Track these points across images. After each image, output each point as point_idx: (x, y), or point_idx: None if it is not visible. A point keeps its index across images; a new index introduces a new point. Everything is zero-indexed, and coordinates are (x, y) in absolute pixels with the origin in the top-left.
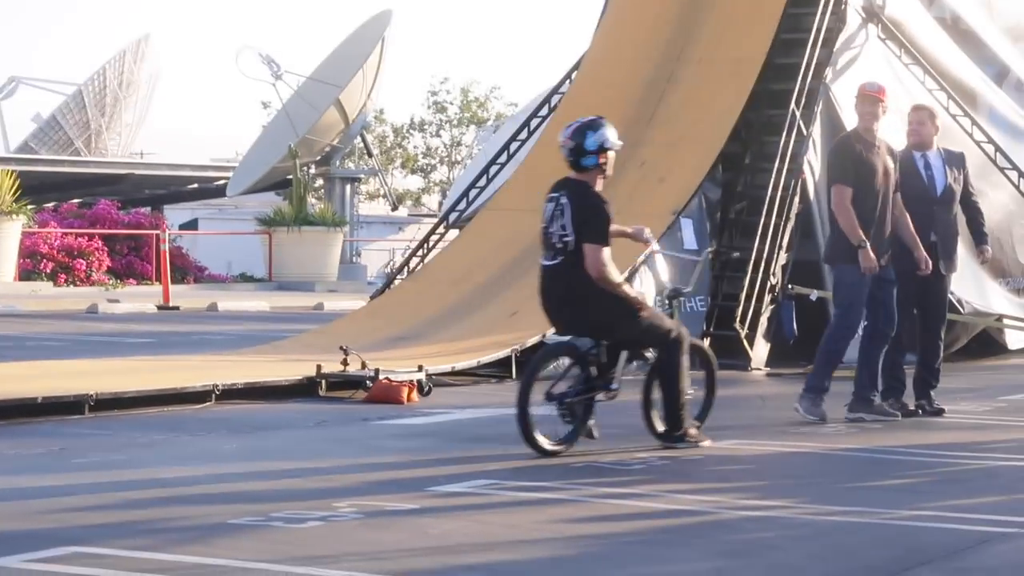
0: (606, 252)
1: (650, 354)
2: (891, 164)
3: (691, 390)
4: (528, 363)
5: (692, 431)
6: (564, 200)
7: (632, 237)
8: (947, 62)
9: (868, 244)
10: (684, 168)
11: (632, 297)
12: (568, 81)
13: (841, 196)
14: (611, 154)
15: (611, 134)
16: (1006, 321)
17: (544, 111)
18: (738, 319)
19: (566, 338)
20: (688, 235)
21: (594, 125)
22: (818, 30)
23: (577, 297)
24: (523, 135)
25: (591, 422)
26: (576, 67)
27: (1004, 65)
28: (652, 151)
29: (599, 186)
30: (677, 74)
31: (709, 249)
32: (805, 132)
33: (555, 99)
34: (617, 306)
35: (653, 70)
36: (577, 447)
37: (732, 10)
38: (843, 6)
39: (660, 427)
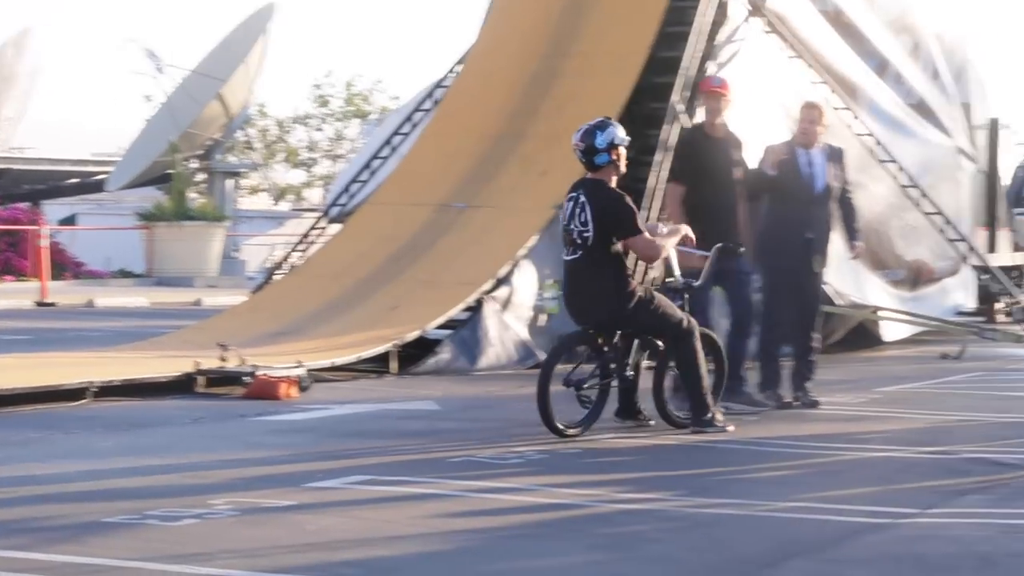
0: (645, 237)
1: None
2: (738, 157)
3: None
4: (550, 351)
5: (719, 416)
6: (583, 198)
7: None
8: (830, 55)
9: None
10: (566, 161)
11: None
12: (452, 74)
13: (671, 194)
14: (622, 150)
15: (619, 131)
16: (882, 313)
17: (428, 105)
18: None
19: (582, 328)
20: None
21: (601, 125)
22: (701, 24)
23: (596, 290)
24: (406, 129)
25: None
26: (460, 61)
27: (884, 58)
28: (534, 145)
29: (614, 183)
30: (561, 68)
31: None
32: (686, 125)
33: (439, 93)
34: (632, 298)
35: (537, 64)
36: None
37: (616, 4)
38: (726, 0)
39: (676, 415)
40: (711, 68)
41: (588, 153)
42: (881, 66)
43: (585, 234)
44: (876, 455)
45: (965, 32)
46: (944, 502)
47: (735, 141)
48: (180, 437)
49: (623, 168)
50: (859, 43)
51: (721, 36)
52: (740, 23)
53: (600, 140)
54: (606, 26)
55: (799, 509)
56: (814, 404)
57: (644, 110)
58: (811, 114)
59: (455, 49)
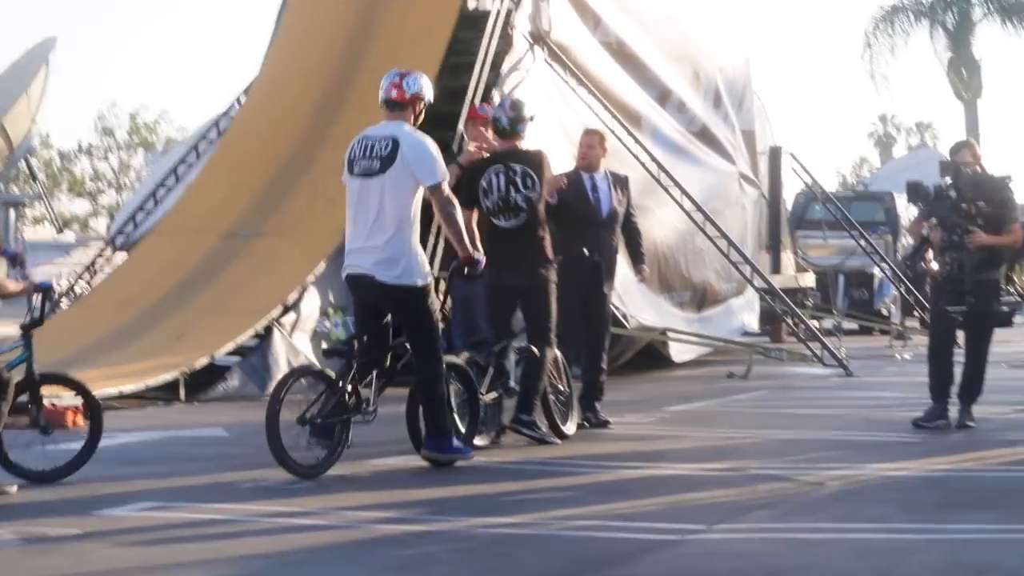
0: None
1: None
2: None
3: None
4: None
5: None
6: (514, 167)
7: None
8: (612, 85)
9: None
10: None
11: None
12: (238, 104)
13: (465, 219)
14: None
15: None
16: (670, 334)
17: (213, 135)
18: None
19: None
20: None
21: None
22: (485, 53)
23: (532, 254)
24: (192, 158)
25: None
26: (246, 91)
27: (666, 87)
28: (322, 172)
29: None
30: (347, 96)
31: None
32: None
33: (224, 123)
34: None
35: (323, 92)
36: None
37: (401, 34)
38: (510, 30)
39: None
40: (496, 97)
41: (516, 122)
42: (663, 95)
43: (531, 195)
44: (665, 473)
45: (746, 60)
46: (731, 518)
47: None
48: None
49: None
50: (641, 73)
51: (506, 65)
52: (524, 53)
53: (527, 111)
54: (391, 55)
55: (589, 527)
56: (604, 424)
57: (432, 138)
58: (590, 139)
59: (241, 79)
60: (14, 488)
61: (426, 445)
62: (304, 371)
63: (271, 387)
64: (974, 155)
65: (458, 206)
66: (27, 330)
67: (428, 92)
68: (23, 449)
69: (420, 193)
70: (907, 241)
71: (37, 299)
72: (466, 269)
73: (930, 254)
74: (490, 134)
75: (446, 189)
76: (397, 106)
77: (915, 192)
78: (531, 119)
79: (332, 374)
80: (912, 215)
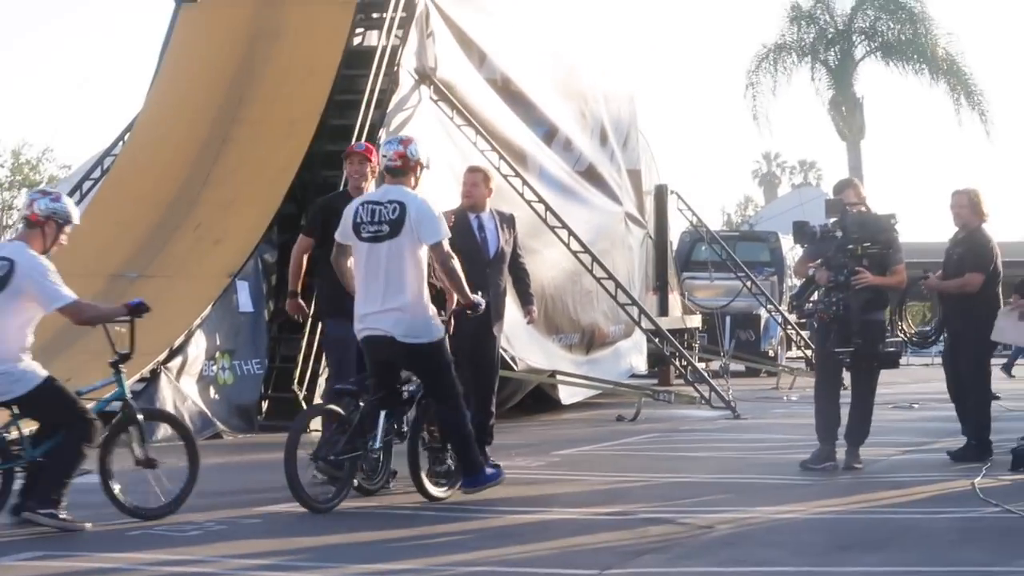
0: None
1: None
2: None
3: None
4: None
5: None
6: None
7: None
8: (498, 123)
9: (297, 294)
10: (240, 229)
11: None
12: (122, 143)
13: (298, 244)
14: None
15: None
16: (559, 376)
17: (97, 173)
18: (296, 381)
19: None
20: (244, 297)
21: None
22: (371, 91)
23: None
24: (76, 198)
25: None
26: (129, 128)
27: (553, 125)
28: (207, 212)
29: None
30: (232, 134)
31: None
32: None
33: (108, 161)
34: None
35: (208, 130)
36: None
37: (287, 71)
38: (396, 68)
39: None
40: (383, 135)
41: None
42: (550, 134)
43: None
44: (556, 517)
45: (631, 98)
46: (622, 562)
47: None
48: None
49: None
50: (527, 110)
51: (392, 103)
52: (410, 90)
53: (412, 150)
54: (277, 92)
55: (479, 573)
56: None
57: (317, 178)
58: (474, 177)
59: (125, 116)
60: (88, 525)
61: (466, 484)
62: (318, 410)
63: (158, 433)
64: (858, 195)
65: (455, 258)
66: (117, 365)
67: (425, 158)
68: (134, 486)
69: (425, 251)
70: (793, 281)
71: (121, 331)
72: (468, 312)
73: (816, 295)
74: (367, 170)
75: (446, 245)
76: (400, 172)
77: (801, 232)
78: (425, 166)
79: (342, 412)
80: (797, 255)
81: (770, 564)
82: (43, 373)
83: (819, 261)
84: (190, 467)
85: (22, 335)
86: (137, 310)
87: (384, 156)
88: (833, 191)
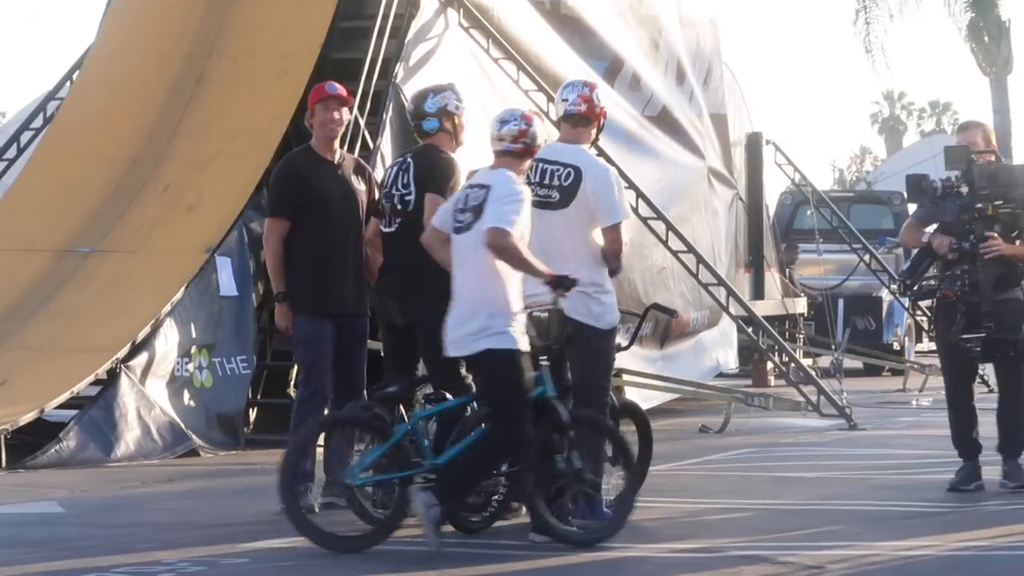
0: (436, 198)
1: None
2: (358, 185)
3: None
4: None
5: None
6: (409, 160)
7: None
8: (546, 55)
9: (288, 298)
10: (219, 193)
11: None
12: (69, 84)
13: (270, 231)
14: (458, 119)
15: (455, 97)
16: (625, 377)
17: (39, 122)
18: (292, 383)
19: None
20: (225, 278)
21: (437, 89)
22: (384, 18)
23: (414, 270)
24: (11, 154)
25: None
26: (78, 66)
27: (616, 57)
28: (178, 172)
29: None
30: (209, 72)
31: None
32: (372, 144)
33: (52, 107)
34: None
35: (178, 68)
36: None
37: None
38: None
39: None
40: (400, 72)
41: (416, 117)
42: (612, 69)
43: (407, 197)
44: (625, 555)
45: (712, 23)
46: None
47: (357, 163)
48: None
49: (462, 139)
50: (583, 40)
51: (411, 32)
52: (434, 16)
53: (430, 104)
54: (265, 21)
55: None
56: None
57: None
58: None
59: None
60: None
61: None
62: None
63: (119, 449)
64: (987, 139)
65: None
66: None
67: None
68: None
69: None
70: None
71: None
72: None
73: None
74: (345, 115)
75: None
76: (584, 120)
77: (917, 187)
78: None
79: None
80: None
81: None
82: None
83: (935, 227)
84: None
85: None
86: None
87: (564, 100)
88: (956, 135)
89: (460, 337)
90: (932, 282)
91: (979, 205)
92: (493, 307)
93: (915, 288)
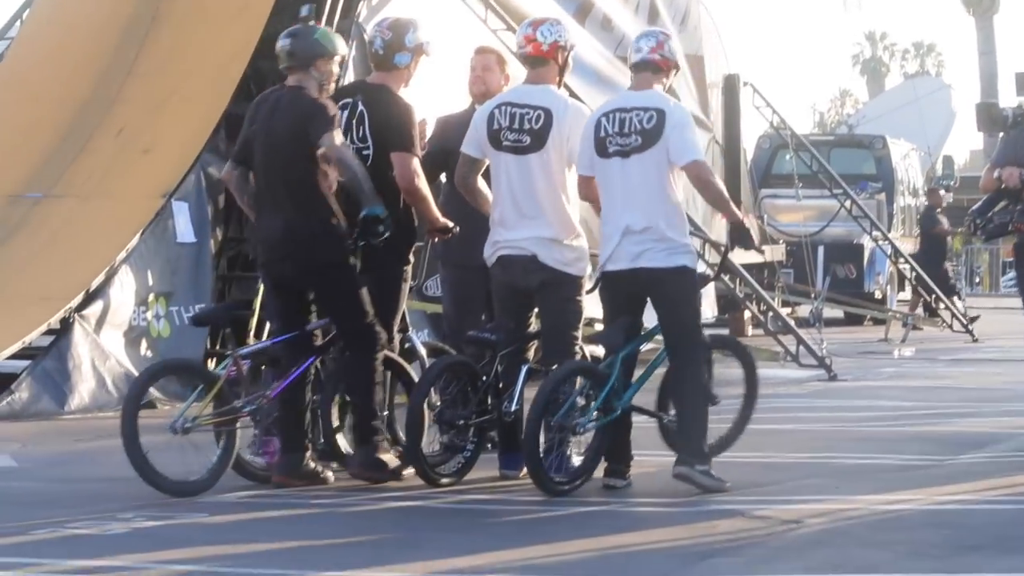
0: (415, 162)
1: None
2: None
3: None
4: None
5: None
6: (361, 106)
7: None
8: None
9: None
10: (176, 135)
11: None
12: (18, 23)
13: (230, 181)
14: (423, 58)
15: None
16: (597, 326)
17: None
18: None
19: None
20: (183, 224)
21: (417, 24)
22: None
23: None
24: None
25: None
26: (27, 5)
27: None
28: (133, 113)
29: (400, 91)
30: (164, 9)
31: None
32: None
33: (0, 47)
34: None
35: (132, 6)
36: None
37: None
38: None
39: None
40: (363, 9)
41: (392, 48)
42: (583, 8)
43: (365, 152)
44: (597, 509)
45: None
46: (682, 568)
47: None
48: None
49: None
50: None
51: None
52: None
53: (410, 39)
54: None
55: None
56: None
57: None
58: (484, 59)
59: None
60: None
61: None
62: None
63: (72, 401)
64: None
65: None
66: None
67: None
68: None
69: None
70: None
71: None
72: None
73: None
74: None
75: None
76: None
77: (987, 116)
78: (423, 52)
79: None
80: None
81: (876, 570)
82: None
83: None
84: None
85: None
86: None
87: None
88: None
89: (647, 250)
90: (1002, 218)
91: None
92: (683, 230)
93: (986, 226)
